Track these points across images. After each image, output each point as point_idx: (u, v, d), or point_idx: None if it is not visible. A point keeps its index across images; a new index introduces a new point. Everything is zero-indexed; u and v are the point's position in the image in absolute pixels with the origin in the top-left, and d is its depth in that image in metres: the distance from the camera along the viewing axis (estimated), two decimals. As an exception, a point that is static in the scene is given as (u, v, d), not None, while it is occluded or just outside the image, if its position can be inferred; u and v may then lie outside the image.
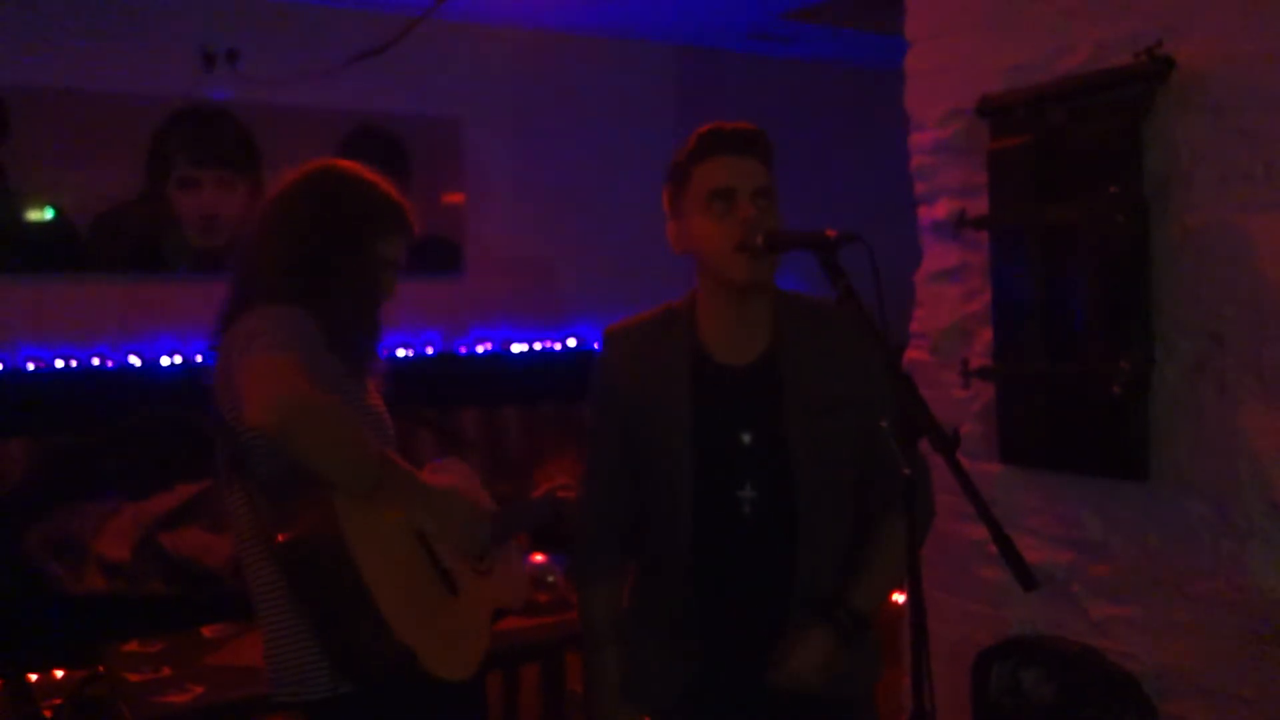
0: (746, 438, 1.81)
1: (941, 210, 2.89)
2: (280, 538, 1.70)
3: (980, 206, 2.73)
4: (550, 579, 3.20)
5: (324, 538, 1.66)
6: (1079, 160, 2.48)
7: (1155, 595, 2.44)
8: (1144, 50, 2.33)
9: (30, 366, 4.45)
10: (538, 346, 5.52)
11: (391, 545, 1.77)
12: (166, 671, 2.68)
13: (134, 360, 4.63)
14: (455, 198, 5.34)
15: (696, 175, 1.79)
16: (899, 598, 3.20)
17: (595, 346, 2.02)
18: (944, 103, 2.85)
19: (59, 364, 4.49)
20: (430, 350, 5.26)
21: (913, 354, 3.01)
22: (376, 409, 1.97)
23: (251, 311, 1.78)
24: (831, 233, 1.63)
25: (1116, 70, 2.39)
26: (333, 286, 1.86)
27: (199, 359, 4.67)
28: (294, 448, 1.65)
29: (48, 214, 4.55)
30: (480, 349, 5.40)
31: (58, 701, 3.78)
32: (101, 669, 2.99)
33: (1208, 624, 2.34)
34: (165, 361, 4.66)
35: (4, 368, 4.39)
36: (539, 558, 3.30)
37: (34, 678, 3.97)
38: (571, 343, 5.58)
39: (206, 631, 2.96)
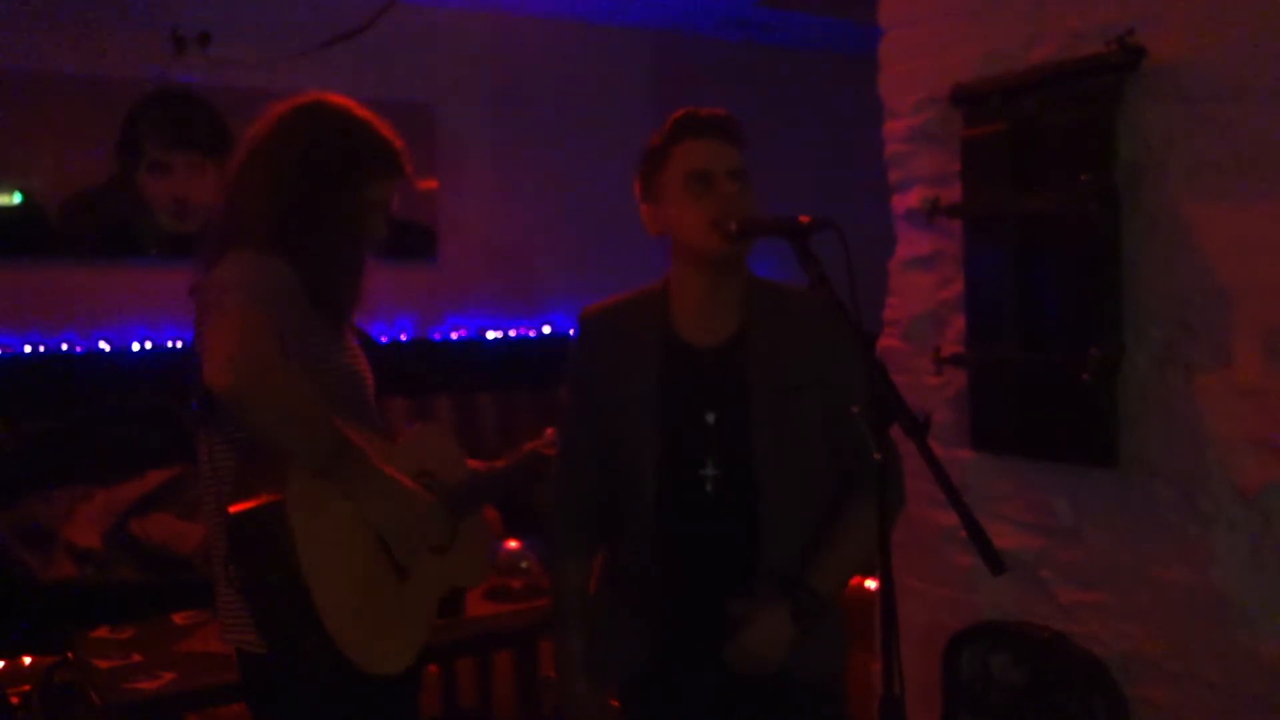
0: (710, 417, 1.84)
1: (915, 198, 2.90)
2: (230, 509, 1.65)
3: (953, 194, 2.74)
4: (524, 564, 3.20)
5: (268, 519, 1.60)
6: (1052, 149, 2.49)
7: (1123, 581, 2.47)
8: (1115, 39, 2.34)
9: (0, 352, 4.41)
10: (512, 333, 5.51)
11: (341, 528, 1.69)
12: (136, 658, 2.67)
13: (104, 346, 4.59)
14: (428, 183, 5.31)
15: (673, 157, 1.82)
16: (870, 584, 3.21)
17: (570, 333, 2.02)
18: (917, 90, 2.86)
19: (27, 349, 4.45)
20: (404, 337, 5.24)
21: (885, 341, 3.02)
22: (356, 368, 1.88)
23: (230, 257, 1.70)
24: (805, 218, 1.64)
25: (1088, 59, 2.40)
26: (318, 233, 1.77)
27: (170, 344, 4.63)
28: (245, 417, 1.58)
29: (16, 198, 4.50)
30: (455, 335, 5.38)
31: (26, 688, 3.75)
32: (70, 656, 2.96)
33: (1174, 609, 2.37)
34: (136, 347, 4.62)
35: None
36: (513, 544, 3.30)
37: (1, 664, 3.94)
38: (546, 329, 5.57)
39: (177, 618, 2.95)
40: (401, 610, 1.81)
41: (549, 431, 2.14)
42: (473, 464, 2.09)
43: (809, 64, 6.04)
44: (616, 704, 1.95)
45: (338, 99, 1.88)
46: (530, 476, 2.11)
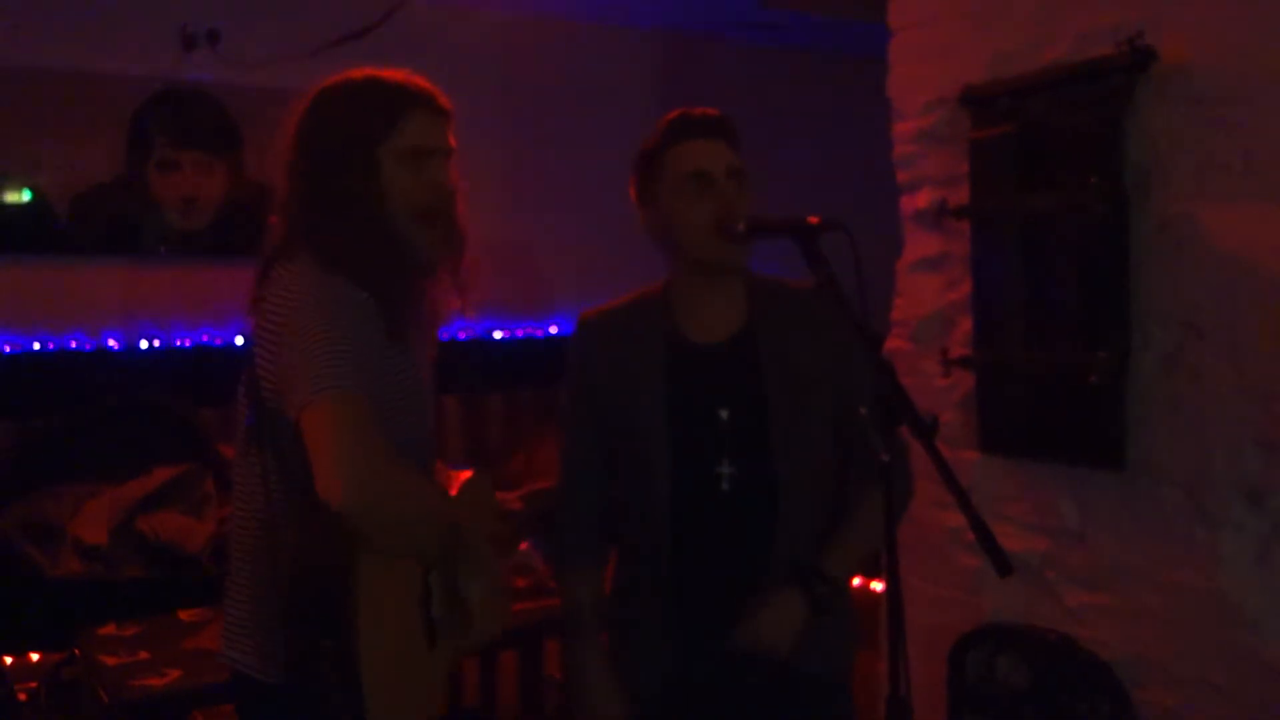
0: (724, 414, 1.83)
1: (923, 199, 2.90)
2: (292, 544, 1.57)
3: (962, 196, 2.74)
4: (529, 564, 3.20)
5: (332, 588, 1.53)
6: (1060, 150, 2.49)
7: (1130, 583, 2.46)
8: (1125, 40, 2.34)
9: (7, 349, 4.42)
10: (519, 334, 5.51)
11: (395, 593, 1.64)
12: (143, 655, 2.67)
13: (112, 343, 4.59)
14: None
15: (669, 160, 1.81)
16: (876, 585, 3.21)
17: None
18: (926, 92, 2.86)
19: (36, 346, 4.46)
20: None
21: (893, 343, 3.02)
22: (421, 382, 1.76)
23: (294, 269, 1.59)
24: (813, 219, 1.64)
25: (1098, 60, 2.40)
26: (353, 227, 1.62)
27: (179, 342, 4.64)
28: (365, 530, 1.51)
29: (25, 195, 4.50)
30: (461, 336, 5.39)
31: (33, 684, 3.76)
32: (77, 652, 2.97)
33: (1181, 612, 2.37)
34: (144, 344, 4.63)
35: (-21, 350, 4.36)
36: (520, 545, 3.30)
37: (9, 660, 3.95)
38: (553, 330, 5.57)
39: (184, 615, 2.95)
40: (428, 674, 1.73)
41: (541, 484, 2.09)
42: (501, 498, 2.04)
43: (816, 65, 6.03)
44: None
45: (337, 76, 1.73)
46: (542, 513, 2.08)
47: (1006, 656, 2.65)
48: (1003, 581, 1.49)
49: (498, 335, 5.45)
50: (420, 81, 1.72)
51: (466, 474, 1.87)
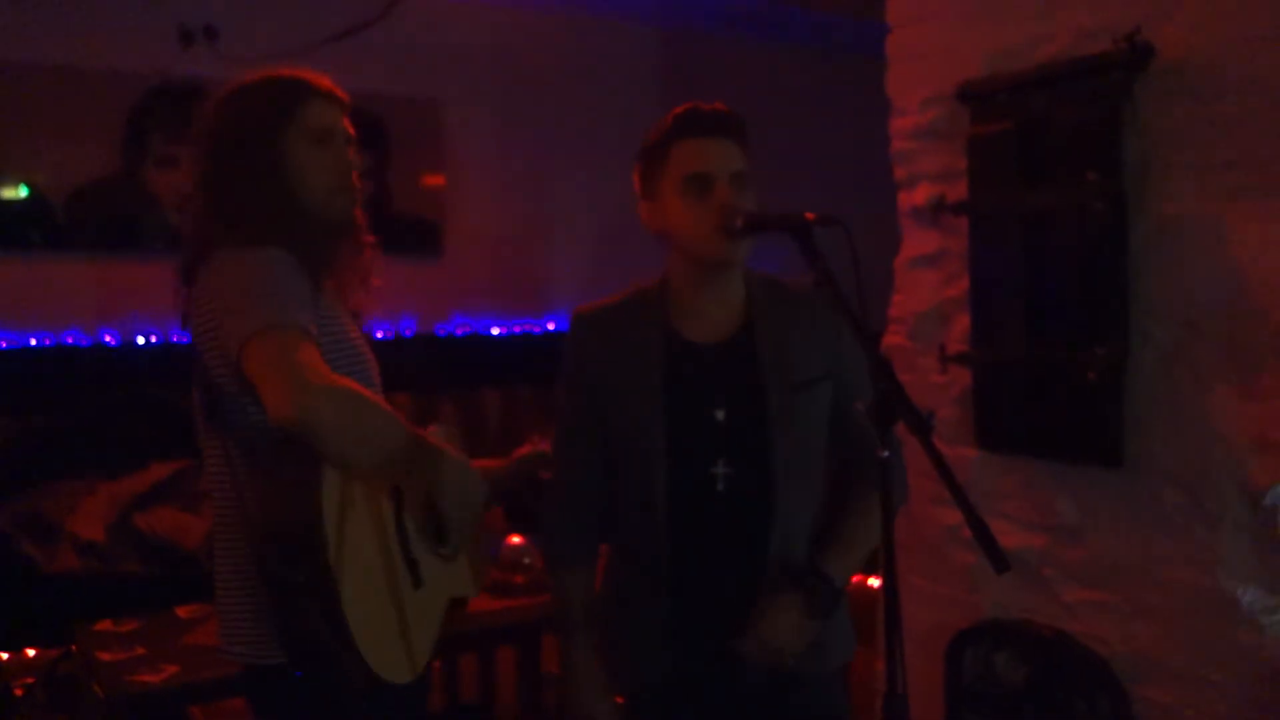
0: (720, 414, 1.82)
1: (921, 195, 2.89)
2: (256, 513, 1.63)
3: (960, 192, 2.73)
4: (526, 560, 3.20)
5: (301, 527, 1.57)
6: (1059, 147, 2.48)
7: (1127, 580, 2.46)
8: (1124, 37, 2.33)
9: (4, 345, 4.41)
10: (517, 329, 5.50)
11: (371, 540, 1.68)
12: (140, 651, 2.67)
13: (109, 339, 4.59)
14: (436, 179, 5.31)
15: (673, 156, 1.79)
16: (874, 582, 3.21)
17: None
18: (925, 88, 2.85)
19: (33, 342, 4.45)
20: (409, 333, 5.24)
21: (891, 339, 3.02)
22: (361, 351, 1.83)
23: (218, 257, 1.67)
24: (810, 215, 1.63)
25: (1096, 57, 2.39)
26: (266, 197, 1.72)
27: (176, 339, 4.63)
28: (322, 445, 1.54)
29: (22, 191, 4.50)
30: (459, 331, 5.38)
31: (30, 680, 3.76)
32: (74, 648, 2.97)
33: (1179, 609, 2.37)
34: (141, 341, 4.63)
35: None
36: (516, 539, 3.29)
37: (5, 656, 3.95)
38: (551, 326, 5.57)
39: (181, 611, 2.95)
40: (416, 617, 1.77)
41: (543, 446, 2.11)
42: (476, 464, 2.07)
43: (816, 60, 6.03)
44: (621, 701, 1.94)
45: (236, 80, 1.84)
46: (530, 477, 2.09)
47: (1004, 653, 2.65)
48: (1000, 578, 1.49)
49: (495, 331, 5.45)
50: (316, 75, 1.83)
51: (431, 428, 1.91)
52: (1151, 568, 2.41)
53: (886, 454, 1.47)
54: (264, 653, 1.70)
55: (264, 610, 1.67)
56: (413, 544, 1.77)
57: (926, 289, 2.90)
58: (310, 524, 1.57)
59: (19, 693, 3.74)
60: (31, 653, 3.98)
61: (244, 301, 1.59)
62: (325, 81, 1.82)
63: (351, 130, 1.85)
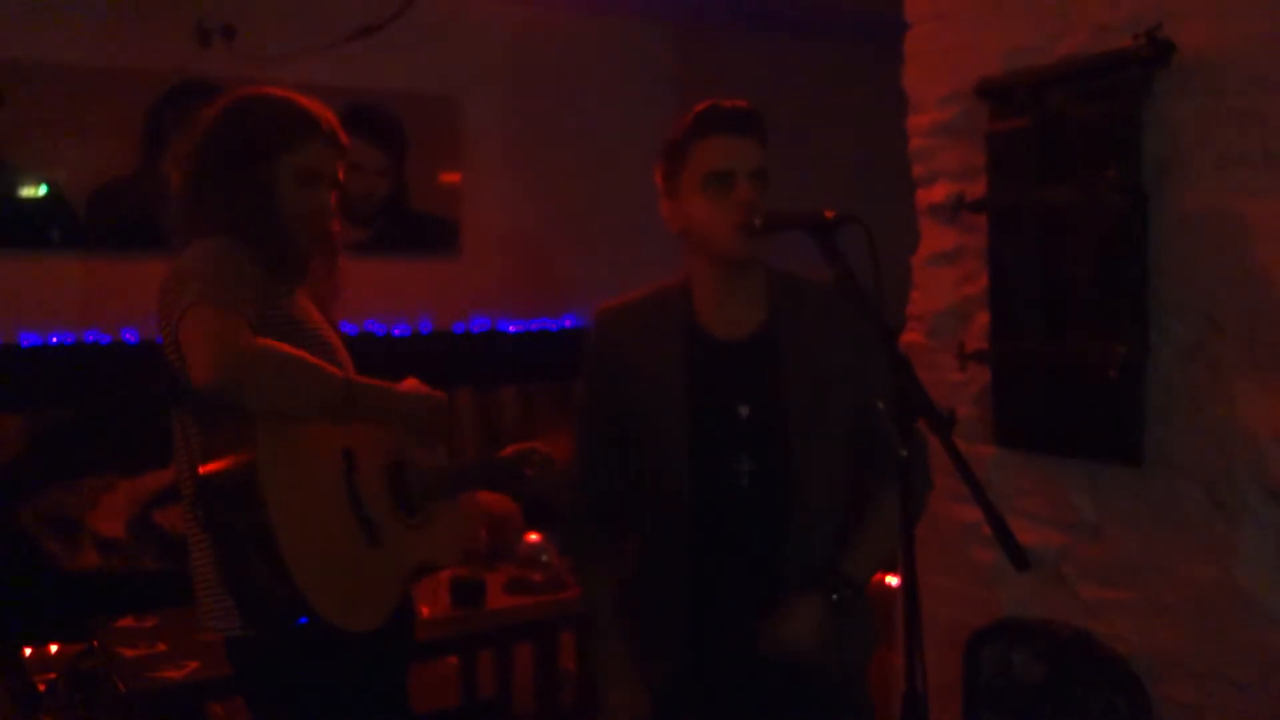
0: (744, 410, 1.82)
1: (939, 193, 2.88)
2: (200, 470, 1.72)
3: (978, 189, 2.72)
4: (544, 558, 3.21)
5: (238, 475, 1.66)
6: (1078, 143, 2.47)
7: (1147, 578, 2.45)
8: (1144, 33, 2.32)
9: (26, 343, 4.44)
10: (534, 326, 5.51)
11: (313, 490, 1.76)
12: (160, 647, 2.69)
13: (129, 338, 4.62)
14: (452, 177, 5.32)
15: (694, 154, 1.79)
16: (893, 580, 3.21)
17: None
18: (943, 85, 2.84)
19: (54, 340, 4.48)
20: (426, 329, 5.26)
21: (909, 337, 3.01)
22: (324, 336, 1.92)
23: (185, 250, 1.79)
24: (830, 213, 1.63)
25: (1116, 53, 2.38)
26: (242, 206, 1.82)
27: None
28: (251, 401, 1.65)
29: (42, 189, 4.53)
30: (476, 328, 5.40)
31: (52, 676, 3.79)
32: (95, 644, 2.99)
33: (1199, 607, 2.35)
34: (160, 338, 4.65)
35: (0, 344, 4.38)
36: (534, 537, 3.31)
37: (28, 652, 3.98)
38: (568, 322, 5.57)
39: (201, 608, 2.97)
40: (371, 571, 1.84)
41: (538, 447, 2.16)
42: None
43: (832, 56, 6.01)
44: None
45: (254, 88, 1.94)
46: (516, 475, 2.14)
47: (1023, 651, 2.65)
48: (1019, 576, 1.49)
49: (511, 328, 5.46)
50: (328, 113, 1.93)
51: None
52: (1171, 566, 2.40)
53: (905, 452, 1.47)
54: (231, 625, 1.80)
55: (218, 580, 1.78)
56: (366, 504, 1.84)
57: (945, 286, 2.89)
58: (245, 466, 1.66)
59: (42, 688, 3.77)
60: (54, 648, 4.00)
61: (186, 282, 1.70)
62: (334, 122, 1.92)
63: (342, 175, 1.95)
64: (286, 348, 1.71)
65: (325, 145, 1.90)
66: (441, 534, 2.02)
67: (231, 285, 1.70)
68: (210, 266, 1.72)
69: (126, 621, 2.90)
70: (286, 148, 1.85)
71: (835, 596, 1.80)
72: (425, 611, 2.85)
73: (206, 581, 1.84)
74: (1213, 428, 2.32)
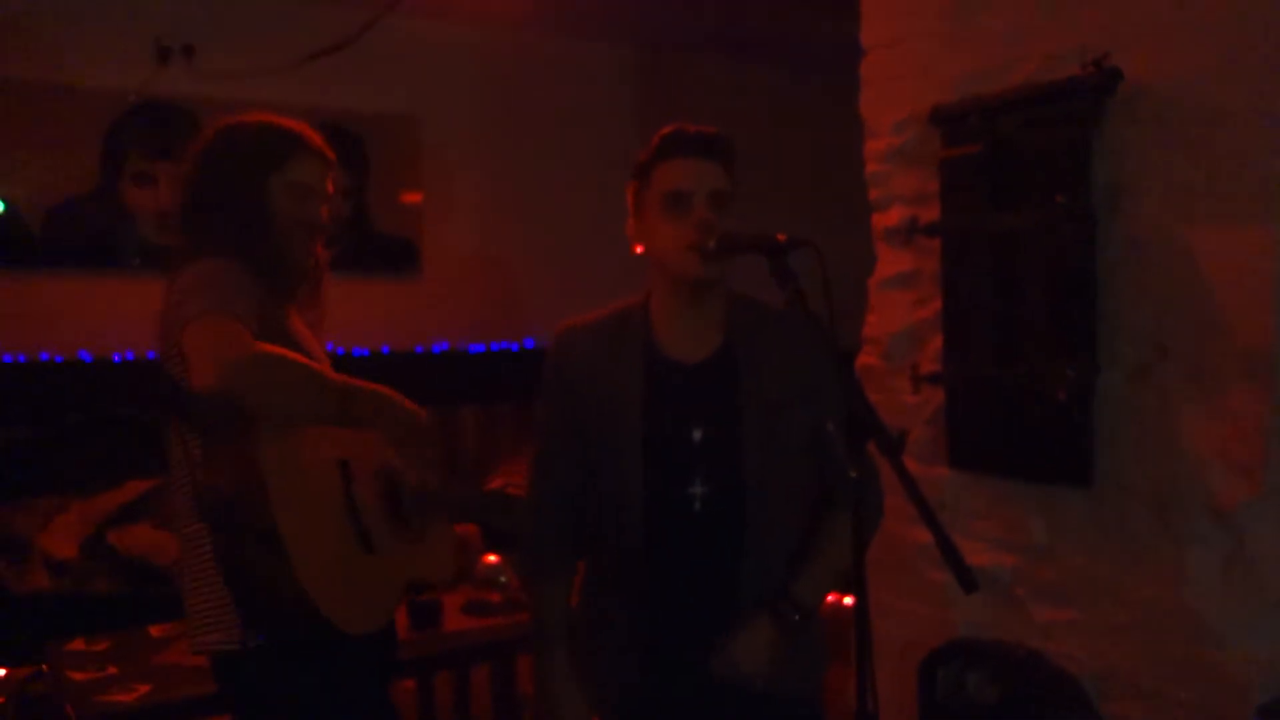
0: (697, 434, 1.83)
1: (894, 217, 2.92)
2: (205, 481, 1.77)
3: (932, 213, 2.76)
4: (502, 579, 3.20)
5: (244, 480, 1.71)
6: (1029, 169, 2.52)
7: (1098, 599, 2.48)
8: (1092, 61, 2.37)
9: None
10: (495, 346, 5.50)
11: (313, 497, 1.82)
12: (112, 670, 2.65)
13: (85, 356, 4.56)
14: (414, 197, 5.31)
15: (656, 175, 1.81)
16: (848, 600, 3.22)
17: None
18: (898, 110, 2.89)
19: (8, 358, 4.42)
20: (386, 349, 5.24)
21: (865, 359, 3.04)
22: (312, 350, 1.98)
23: (185, 269, 1.84)
24: (782, 236, 1.65)
25: (1066, 81, 2.43)
26: (235, 223, 1.90)
27: (150, 356, 4.62)
28: (250, 403, 1.70)
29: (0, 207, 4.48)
30: (437, 348, 5.38)
31: (1, 700, 3.72)
32: (45, 668, 2.95)
33: (1148, 627, 2.39)
34: (117, 358, 4.60)
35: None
36: (492, 558, 3.29)
37: (-24, 676, 3.91)
38: (529, 343, 5.57)
39: (154, 630, 2.93)
40: (368, 576, 1.89)
41: (515, 477, 2.20)
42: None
43: (790, 81, 6.07)
44: (596, 719, 1.94)
45: (244, 115, 2.01)
46: (502, 510, 2.19)
47: (977, 672, 2.67)
48: (973, 597, 1.50)
49: (471, 348, 5.45)
50: (312, 132, 2.01)
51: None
52: (1122, 586, 2.44)
53: (855, 474, 1.48)
54: (232, 637, 1.83)
55: (220, 590, 1.80)
56: (362, 514, 1.89)
57: (900, 309, 2.93)
58: (251, 471, 1.70)
59: (-11, 713, 3.71)
60: (2, 672, 3.93)
61: (189, 296, 1.76)
62: (317, 139, 2.00)
63: (331, 188, 2.03)
64: (286, 351, 1.76)
65: (313, 160, 1.98)
66: (436, 552, 2.09)
67: (232, 297, 1.76)
68: (212, 282, 1.78)
69: (77, 644, 2.86)
70: (276, 166, 1.93)
71: (786, 619, 1.81)
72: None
73: (202, 591, 1.87)
74: (1161, 450, 2.36)
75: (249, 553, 1.71)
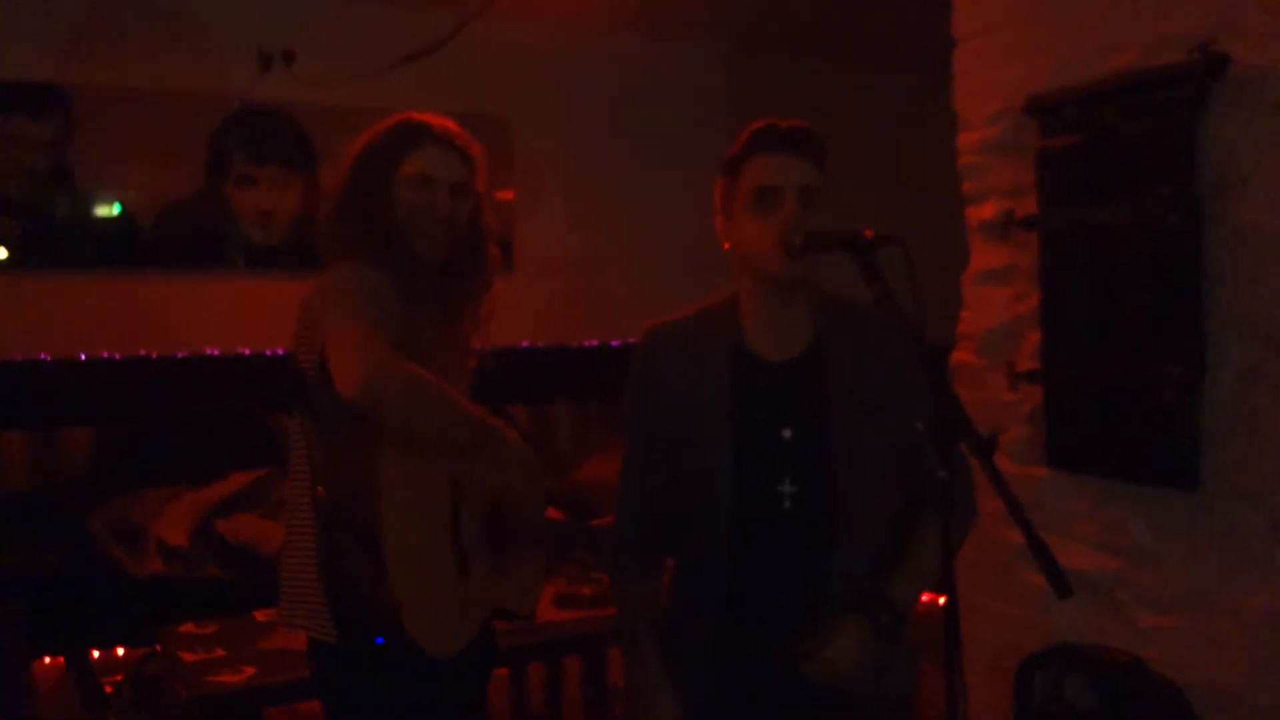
0: (787, 433, 1.82)
1: (989, 210, 2.86)
2: (321, 478, 1.80)
3: (1029, 206, 2.70)
4: (593, 574, 3.23)
5: (360, 488, 1.73)
6: (1130, 160, 2.44)
7: (1203, 606, 2.40)
8: (1198, 47, 2.29)
9: (93, 357, 4.56)
10: (588, 343, 5.54)
11: (423, 511, 1.82)
12: (220, 652, 2.75)
13: (191, 352, 4.72)
14: (505, 195, 5.38)
15: (746, 170, 1.80)
16: (940, 600, 3.18)
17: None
18: (992, 101, 2.83)
19: (119, 355, 4.60)
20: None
21: (959, 356, 2.99)
22: (449, 379, 1.92)
23: (329, 270, 1.88)
24: (869, 233, 1.63)
25: (1169, 67, 2.35)
26: (371, 228, 1.91)
27: (260, 351, 4.76)
28: (388, 420, 1.71)
29: (114, 209, 4.66)
30: (529, 345, 5.44)
31: (118, 678, 3.89)
32: (159, 648, 3.07)
33: (1258, 638, 2.30)
34: (222, 352, 4.76)
35: (69, 359, 4.50)
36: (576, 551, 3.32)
37: (97, 654, 4.09)
38: (621, 341, 5.60)
39: (259, 616, 3.02)
40: (458, 600, 1.89)
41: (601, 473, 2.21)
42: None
43: (880, 78, 5.98)
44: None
45: (391, 116, 2.02)
46: (589, 541, 2.19)
47: (1075, 678, 2.60)
48: (1072, 601, 1.47)
49: (567, 345, 5.49)
50: (443, 122, 2.01)
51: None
52: (1228, 594, 2.35)
53: (944, 475, 1.46)
54: (319, 627, 1.86)
55: (318, 580, 1.83)
56: (463, 535, 1.89)
57: (996, 305, 2.87)
58: (365, 474, 1.73)
59: (109, 690, 3.87)
60: (121, 652, 4.11)
61: (334, 300, 1.78)
62: (449, 129, 1.99)
63: (469, 176, 2.00)
64: (428, 374, 1.74)
65: (437, 149, 1.97)
66: (524, 583, 2.06)
67: (371, 304, 1.77)
68: (356, 287, 1.80)
69: (188, 627, 2.96)
70: (394, 165, 1.94)
71: (880, 621, 1.79)
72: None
73: (304, 581, 1.90)
74: (1271, 452, 2.26)
75: (350, 556, 1.74)
